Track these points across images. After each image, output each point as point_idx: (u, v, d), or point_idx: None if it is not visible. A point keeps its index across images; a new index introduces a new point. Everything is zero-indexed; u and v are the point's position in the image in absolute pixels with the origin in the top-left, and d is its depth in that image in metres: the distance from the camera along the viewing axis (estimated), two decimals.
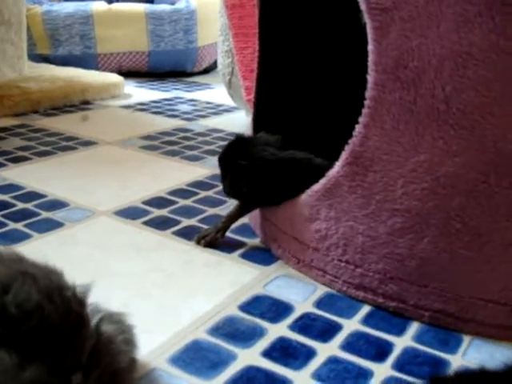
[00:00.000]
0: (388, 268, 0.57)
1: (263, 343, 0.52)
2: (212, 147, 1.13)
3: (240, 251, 0.70)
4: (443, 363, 0.52)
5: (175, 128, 1.25)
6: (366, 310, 0.59)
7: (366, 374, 0.49)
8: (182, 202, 0.83)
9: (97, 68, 1.76)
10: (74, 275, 0.39)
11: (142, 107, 1.46)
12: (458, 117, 0.50)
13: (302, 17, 0.78)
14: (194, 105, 1.51)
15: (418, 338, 0.55)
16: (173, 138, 1.17)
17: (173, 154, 1.07)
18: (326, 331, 0.55)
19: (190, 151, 1.09)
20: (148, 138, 1.17)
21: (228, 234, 0.71)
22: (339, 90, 0.78)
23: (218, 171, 0.95)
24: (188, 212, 0.80)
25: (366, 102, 0.54)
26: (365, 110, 0.54)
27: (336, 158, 0.60)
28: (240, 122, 1.33)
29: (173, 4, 1.83)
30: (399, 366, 0.51)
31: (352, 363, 0.51)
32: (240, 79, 1.19)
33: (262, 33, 0.77)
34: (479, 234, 0.53)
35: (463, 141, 0.51)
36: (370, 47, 0.53)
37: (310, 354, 0.52)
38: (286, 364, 0.50)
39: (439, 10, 0.49)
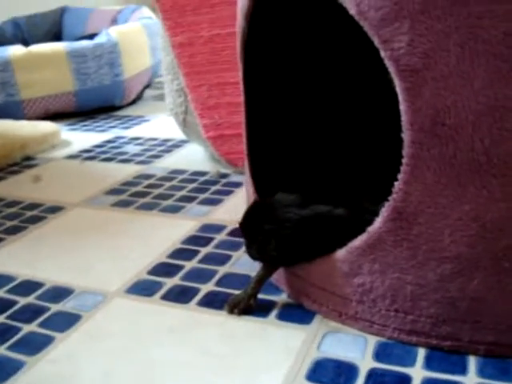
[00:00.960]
0: (440, 312, 0.59)
1: None
2: (184, 193, 1.11)
3: (274, 312, 0.69)
4: None
5: (135, 176, 1.22)
6: (422, 352, 0.61)
7: None
8: (188, 265, 0.82)
9: (23, 115, 1.68)
10: (121, 371, 0.37)
11: (88, 155, 1.41)
12: (499, 167, 0.53)
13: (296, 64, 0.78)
14: (139, 144, 1.48)
15: (483, 374, 0.57)
16: (139, 189, 1.14)
17: (148, 207, 1.04)
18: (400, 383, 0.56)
19: (164, 201, 1.07)
20: (113, 192, 1.13)
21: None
22: (336, 132, 0.79)
23: (205, 221, 0.95)
24: (200, 276, 0.79)
25: (405, 160, 0.55)
26: (404, 168, 0.55)
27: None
28: (197, 157, 1.32)
29: (90, 38, 1.77)
30: None
31: None
32: (196, 117, 1.18)
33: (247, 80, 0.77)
34: None
35: (506, 187, 0.53)
36: (403, 107, 0.54)
37: None
38: None
39: (471, 68, 0.51)
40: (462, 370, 0.58)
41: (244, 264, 0.81)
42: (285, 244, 0.65)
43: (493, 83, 0.51)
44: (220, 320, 0.68)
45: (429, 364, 0.59)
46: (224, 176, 1.21)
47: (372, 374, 0.58)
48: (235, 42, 1.09)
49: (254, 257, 0.68)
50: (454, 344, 0.60)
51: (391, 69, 0.54)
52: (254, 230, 0.67)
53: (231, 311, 0.69)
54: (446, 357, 0.60)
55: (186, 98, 1.18)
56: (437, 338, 0.60)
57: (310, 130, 0.82)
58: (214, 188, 1.14)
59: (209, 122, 1.19)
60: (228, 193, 1.11)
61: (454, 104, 0.52)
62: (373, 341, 0.63)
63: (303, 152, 0.80)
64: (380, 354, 0.61)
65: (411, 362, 0.60)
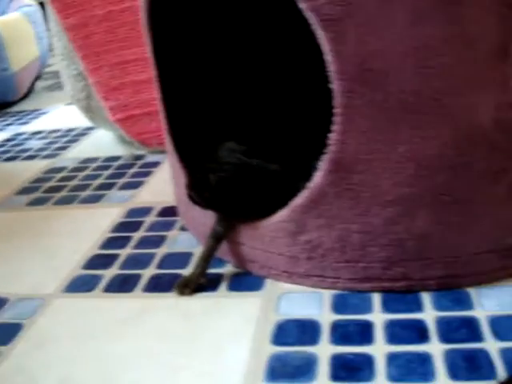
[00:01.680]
0: (389, 255, 0.60)
1: (323, 369, 0.53)
2: (101, 180, 1.07)
3: (224, 284, 0.68)
4: (474, 321, 0.56)
5: (45, 171, 1.16)
6: (377, 298, 0.62)
7: (426, 358, 0.53)
8: (123, 253, 0.79)
9: None
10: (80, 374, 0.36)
11: None
12: (429, 105, 0.54)
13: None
14: (42, 138, 1.40)
15: (438, 307, 0.59)
16: (52, 184, 1.09)
17: (67, 201, 1.00)
18: (364, 333, 0.57)
19: (82, 192, 1.03)
20: (25, 191, 1.07)
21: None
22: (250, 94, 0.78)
23: (131, 206, 0.92)
24: (138, 261, 0.76)
25: (337, 110, 0.55)
26: (337, 118, 0.55)
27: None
28: (107, 143, 1.27)
29: None
30: (444, 338, 0.55)
31: (409, 353, 0.53)
32: (100, 101, 1.13)
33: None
34: (466, 201, 0.58)
35: (437, 124, 0.55)
36: (329, 57, 0.54)
37: (368, 361, 0.53)
38: (357, 378, 0.51)
39: (392, 11, 0.51)
40: (419, 307, 0.60)
41: (181, 242, 0.80)
42: (222, 184, 0.63)
43: (414, 24, 0.52)
44: (170, 302, 0.67)
45: (386, 307, 0.61)
46: (139, 158, 1.17)
47: (335, 327, 0.58)
48: (131, 17, 1.05)
49: (193, 199, 0.65)
50: (406, 284, 0.62)
51: (312, 20, 0.53)
52: (196, 169, 0.64)
53: (182, 293, 0.67)
54: (401, 297, 0.62)
55: (86, 82, 1.13)
56: (389, 281, 0.62)
57: (233, 92, 0.80)
58: (131, 171, 1.11)
59: (114, 104, 1.14)
60: (147, 174, 1.08)
61: (379, 49, 0.53)
62: (328, 295, 0.64)
63: (229, 116, 0.79)
64: (338, 306, 0.62)
65: (369, 309, 0.61)
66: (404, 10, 0.51)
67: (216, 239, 0.67)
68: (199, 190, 0.64)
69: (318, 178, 0.59)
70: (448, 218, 0.58)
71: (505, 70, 0.54)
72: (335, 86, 0.54)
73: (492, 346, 0.53)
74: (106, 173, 1.10)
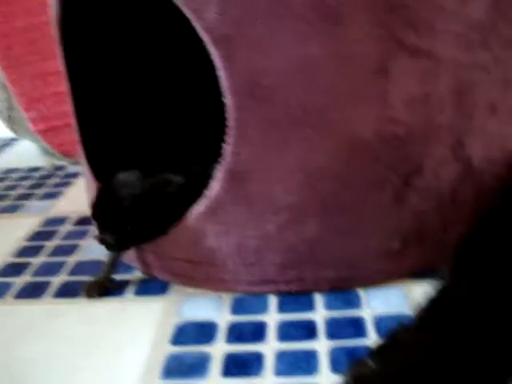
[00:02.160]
0: (283, 259, 0.64)
1: (216, 366, 0.56)
2: (21, 191, 1.08)
3: (131, 290, 0.71)
4: (361, 320, 0.61)
5: None
6: (273, 299, 0.66)
7: (312, 354, 0.57)
8: (36, 261, 0.80)
9: None
10: None
11: None
12: (314, 119, 0.58)
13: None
14: None
15: (329, 307, 0.64)
16: None
17: None
18: (258, 332, 0.61)
19: (1, 202, 1.03)
20: None
21: None
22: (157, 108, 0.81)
23: (48, 215, 0.94)
24: (51, 269, 0.78)
25: (230, 123, 0.59)
26: (230, 130, 0.59)
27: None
28: (28, 153, 1.28)
29: None
30: (331, 335, 0.59)
31: (297, 351, 0.57)
32: (22, 112, 1.14)
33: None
34: (352, 208, 0.62)
35: (323, 137, 0.59)
36: (221, 74, 0.57)
37: (258, 359, 0.57)
38: (246, 373, 0.55)
39: (278, 32, 0.55)
40: (311, 307, 0.64)
41: (94, 251, 0.82)
42: (127, 223, 0.66)
43: (299, 43, 0.56)
44: (78, 307, 0.69)
45: (281, 308, 0.64)
46: (60, 168, 1.18)
47: (231, 328, 0.62)
48: (52, 29, 1.06)
49: (111, 243, 0.66)
50: (300, 286, 0.66)
51: (205, 38, 0.57)
52: (100, 215, 0.67)
53: (89, 295, 0.69)
54: (296, 299, 0.66)
55: (8, 93, 1.13)
56: (284, 283, 0.66)
57: (138, 107, 0.83)
58: (51, 182, 1.12)
59: (36, 115, 1.15)
60: (67, 184, 1.10)
61: (268, 66, 0.57)
62: (228, 298, 0.67)
63: (136, 130, 0.81)
64: (236, 308, 0.65)
65: (265, 310, 0.64)
66: (290, 31, 0.56)
67: None
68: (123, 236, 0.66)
69: (214, 186, 0.62)
70: (336, 224, 0.63)
71: (384, 87, 0.59)
72: (227, 100, 0.58)
73: (373, 339, 0.57)
74: (27, 183, 1.11)
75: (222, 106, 0.59)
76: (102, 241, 0.65)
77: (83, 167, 0.81)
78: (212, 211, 0.63)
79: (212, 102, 0.60)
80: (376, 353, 0.46)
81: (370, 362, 0.44)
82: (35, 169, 1.19)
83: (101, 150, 0.79)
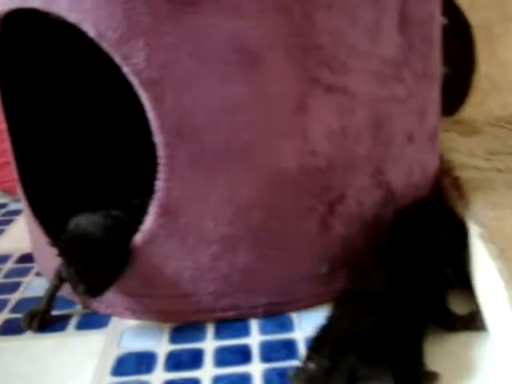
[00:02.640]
0: (218, 288, 0.68)
1: None
2: None
3: (72, 324, 0.72)
4: (293, 342, 0.64)
5: None
6: (211, 327, 0.69)
7: (247, 377, 0.60)
8: None
9: None
10: None
11: None
12: (239, 155, 0.62)
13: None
14: None
15: (264, 331, 0.67)
16: None
17: None
18: (195, 359, 0.63)
19: None
20: None
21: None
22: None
23: None
24: None
25: (161, 161, 0.62)
26: (161, 167, 0.62)
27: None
28: None
29: None
30: (265, 358, 0.62)
31: (232, 375, 0.60)
32: None
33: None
34: (281, 236, 0.66)
35: (249, 171, 0.63)
36: (150, 115, 0.61)
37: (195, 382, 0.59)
38: None
39: (202, 74, 0.59)
40: (247, 332, 0.67)
41: (35, 287, 0.83)
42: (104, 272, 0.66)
43: (222, 85, 0.60)
44: (20, 344, 0.70)
45: (218, 335, 0.67)
46: (2, 206, 1.19)
47: (170, 356, 0.64)
48: None
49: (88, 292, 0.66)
50: (235, 313, 0.69)
51: (134, 82, 0.60)
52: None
53: (29, 325, 0.70)
54: (232, 325, 0.69)
55: None
56: (221, 311, 0.69)
57: (76, 146, 0.86)
58: None
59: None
60: (8, 222, 1.10)
61: (193, 107, 0.60)
62: (167, 328, 0.69)
63: (74, 168, 0.84)
64: (175, 337, 0.68)
65: (203, 337, 0.67)
66: (213, 73, 0.60)
67: (59, 278, 0.71)
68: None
69: (148, 221, 0.65)
70: (267, 252, 0.66)
71: (304, 122, 0.63)
72: (157, 139, 0.61)
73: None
74: None
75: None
76: (79, 290, 0.65)
77: (23, 204, 0.83)
78: (146, 244, 0.66)
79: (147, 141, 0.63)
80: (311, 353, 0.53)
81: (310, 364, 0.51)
82: None
83: (40, 188, 0.81)
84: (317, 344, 0.55)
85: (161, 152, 0.62)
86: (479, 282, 0.63)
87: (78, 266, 0.64)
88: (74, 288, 0.65)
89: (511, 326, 0.52)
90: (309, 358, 0.54)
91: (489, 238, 0.61)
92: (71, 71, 0.86)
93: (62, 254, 0.65)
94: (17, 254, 0.94)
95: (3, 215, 1.14)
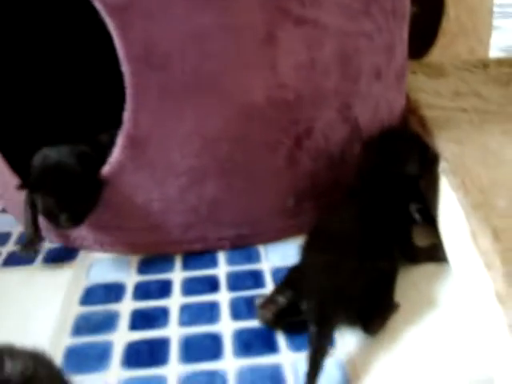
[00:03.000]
0: (186, 220, 0.68)
1: (123, 322, 0.59)
2: None
3: (39, 258, 0.72)
4: (260, 273, 0.66)
5: None
6: (179, 259, 0.70)
7: (215, 305, 0.61)
8: None
9: None
10: None
11: None
12: (207, 85, 0.62)
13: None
14: None
15: (231, 262, 0.68)
16: None
17: None
18: (163, 289, 0.64)
19: None
20: None
21: (14, 246, 0.75)
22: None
23: None
24: None
25: (128, 90, 0.61)
26: (128, 97, 0.62)
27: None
28: None
29: None
30: (232, 287, 0.64)
31: (199, 303, 0.61)
32: None
33: None
34: (248, 169, 0.67)
35: (217, 102, 0.63)
36: (117, 43, 0.60)
37: (164, 312, 0.61)
38: (152, 326, 0.59)
39: (171, 3, 0.58)
40: (214, 264, 0.68)
41: (2, 224, 0.83)
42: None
43: (191, 14, 0.59)
44: None
45: (185, 266, 0.68)
46: None
47: (138, 287, 0.65)
48: None
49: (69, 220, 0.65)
50: (203, 245, 0.70)
51: (101, 9, 0.59)
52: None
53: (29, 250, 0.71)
54: (200, 257, 0.70)
55: None
56: (188, 243, 0.69)
57: (40, 79, 0.84)
58: None
59: None
60: None
61: (161, 36, 0.59)
62: (135, 259, 0.70)
63: (39, 104, 0.82)
64: (143, 268, 0.68)
65: (171, 268, 0.68)
66: (182, 2, 0.58)
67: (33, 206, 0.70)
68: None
69: (116, 153, 0.64)
70: (234, 185, 0.67)
71: (273, 54, 0.63)
72: (124, 68, 0.60)
73: (271, 289, 0.62)
74: None
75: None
76: (61, 220, 0.64)
77: None
78: (115, 176, 0.66)
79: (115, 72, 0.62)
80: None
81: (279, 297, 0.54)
82: None
83: (4, 125, 0.80)
84: (287, 280, 0.56)
85: (128, 81, 0.61)
86: (442, 215, 0.65)
87: (57, 196, 0.63)
88: (54, 219, 0.64)
89: (470, 257, 0.54)
90: (278, 291, 0.56)
91: (450, 171, 0.63)
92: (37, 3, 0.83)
93: (35, 188, 0.65)
94: None
95: None
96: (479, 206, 0.55)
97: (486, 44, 1.30)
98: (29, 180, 0.65)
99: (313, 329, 0.49)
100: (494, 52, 1.38)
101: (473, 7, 1.23)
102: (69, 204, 0.63)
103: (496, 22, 1.36)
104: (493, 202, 0.55)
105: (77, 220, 0.64)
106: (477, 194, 0.57)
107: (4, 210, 0.86)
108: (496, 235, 0.50)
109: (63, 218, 0.63)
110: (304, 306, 0.52)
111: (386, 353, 0.53)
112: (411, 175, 0.67)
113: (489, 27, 1.28)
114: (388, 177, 0.67)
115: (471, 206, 0.55)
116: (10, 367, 0.37)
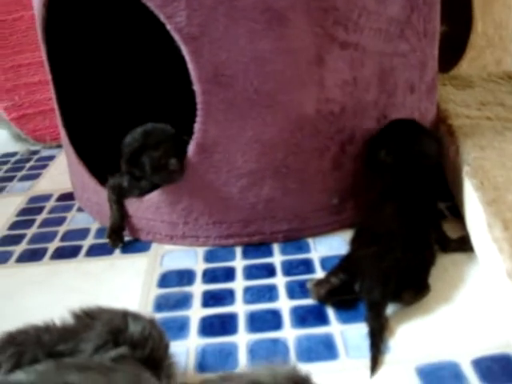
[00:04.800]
0: (245, 215, 0.79)
1: (197, 300, 0.71)
2: (2, 174, 1.18)
3: (118, 249, 0.84)
4: (310, 261, 0.76)
5: None
6: (239, 250, 0.81)
7: (273, 287, 0.72)
8: (30, 232, 0.92)
9: None
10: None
11: None
12: (266, 100, 0.73)
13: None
14: None
15: (284, 253, 0.79)
16: None
17: None
18: (228, 275, 0.75)
19: None
20: None
21: (94, 240, 0.86)
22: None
23: (31, 194, 1.05)
24: (44, 237, 0.90)
25: (199, 106, 0.73)
26: (199, 112, 0.73)
27: None
28: (2, 140, 1.38)
29: None
30: (286, 273, 0.74)
31: (259, 286, 0.72)
32: None
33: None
34: (299, 172, 0.77)
35: (274, 114, 0.74)
36: (190, 65, 0.71)
37: (230, 293, 0.72)
38: (222, 304, 0.69)
39: (235, 31, 0.70)
40: (270, 254, 0.79)
41: (79, 221, 0.95)
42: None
43: (252, 40, 0.70)
44: (75, 265, 0.82)
45: (245, 256, 0.79)
46: (35, 152, 1.30)
47: (206, 272, 0.76)
48: (23, 25, 1.18)
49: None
50: (260, 237, 0.81)
51: (176, 37, 0.70)
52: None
53: (115, 243, 0.84)
54: (257, 248, 0.80)
55: None
56: (247, 236, 0.80)
57: (117, 96, 0.96)
58: (28, 165, 1.23)
59: (9, 105, 1.26)
60: (43, 167, 1.21)
61: (228, 59, 0.71)
62: (201, 250, 0.81)
63: (115, 114, 0.94)
64: (208, 258, 0.80)
65: (233, 258, 0.79)
66: (244, 31, 0.70)
67: (118, 191, 0.83)
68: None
69: (188, 157, 0.76)
70: (287, 185, 0.78)
71: (321, 74, 0.74)
72: (196, 87, 0.72)
73: (320, 275, 0.73)
74: (5, 167, 1.22)
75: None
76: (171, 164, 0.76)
77: (66, 148, 0.94)
78: (186, 177, 0.77)
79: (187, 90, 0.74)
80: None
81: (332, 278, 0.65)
82: (11, 154, 1.30)
83: (82, 133, 0.92)
84: (340, 266, 0.67)
85: (199, 98, 0.72)
86: (467, 211, 0.75)
87: (164, 147, 0.76)
88: (164, 169, 0.76)
89: (488, 244, 0.64)
90: (331, 274, 0.67)
91: (471, 174, 0.73)
92: (117, 27, 0.96)
93: (142, 150, 0.77)
94: (56, 194, 1.06)
95: (37, 161, 1.25)
96: (493, 201, 0.65)
97: None
98: (126, 155, 0.78)
99: (369, 306, 0.60)
100: None
101: (500, 21, 1.31)
102: (174, 151, 0.75)
103: None
104: (505, 197, 0.65)
105: (182, 166, 0.75)
106: (492, 191, 0.67)
107: (80, 209, 0.98)
108: (506, 225, 0.60)
109: (173, 162, 0.75)
110: (357, 287, 0.63)
111: (420, 322, 0.63)
112: (430, 164, 0.77)
113: None
114: (412, 169, 0.77)
115: (486, 203, 0.65)
116: (133, 327, 0.48)
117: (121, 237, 0.83)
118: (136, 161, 0.77)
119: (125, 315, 0.50)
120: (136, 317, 0.50)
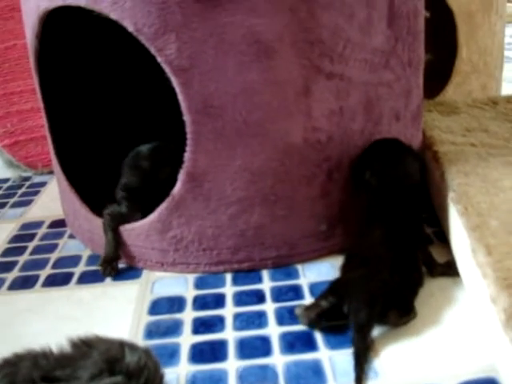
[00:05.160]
0: (235, 243, 0.80)
1: (187, 327, 0.71)
2: None
3: (109, 277, 0.85)
4: (299, 287, 0.78)
5: None
6: (229, 276, 0.82)
7: (262, 314, 0.73)
8: (21, 259, 0.93)
9: None
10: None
11: None
12: (255, 130, 0.75)
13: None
14: None
15: (273, 279, 0.80)
16: None
17: None
18: (218, 301, 0.76)
19: None
20: None
21: (85, 267, 0.87)
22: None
23: (23, 221, 1.06)
24: (36, 265, 0.91)
25: (189, 136, 0.75)
26: (189, 141, 0.75)
27: None
28: None
29: None
30: (275, 299, 0.76)
31: (249, 312, 0.73)
32: None
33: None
34: (287, 199, 0.79)
35: (262, 144, 0.75)
36: (180, 96, 0.73)
37: (220, 320, 0.73)
38: (212, 331, 0.70)
39: (224, 63, 0.72)
40: (259, 280, 0.80)
41: (71, 247, 0.95)
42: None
43: (240, 72, 0.72)
44: (65, 293, 0.82)
45: (235, 282, 0.80)
46: (26, 179, 1.31)
47: (196, 299, 0.77)
48: (15, 54, 1.20)
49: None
50: (249, 264, 0.82)
51: (167, 69, 0.72)
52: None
53: (108, 273, 0.84)
54: (246, 275, 0.82)
55: None
56: (237, 263, 0.82)
57: (106, 124, 0.98)
58: (20, 191, 1.24)
59: (2, 131, 1.28)
60: (35, 193, 1.22)
61: (216, 90, 0.73)
62: (192, 277, 0.83)
63: (104, 140, 0.96)
64: (199, 284, 0.81)
65: (223, 284, 0.80)
66: (233, 63, 0.72)
67: (113, 218, 0.84)
68: None
69: (177, 186, 0.78)
70: (275, 213, 0.79)
71: (308, 104, 0.76)
72: (186, 118, 0.74)
73: (309, 301, 0.74)
74: None
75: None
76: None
77: (58, 175, 0.95)
78: (175, 207, 0.79)
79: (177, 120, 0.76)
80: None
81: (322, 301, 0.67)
82: (3, 180, 1.30)
83: (74, 162, 0.93)
84: (329, 290, 0.69)
85: (189, 128, 0.74)
86: (452, 236, 0.77)
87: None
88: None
89: (472, 269, 0.65)
90: (321, 298, 0.68)
91: (456, 200, 0.75)
92: (109, 58, 0.98)
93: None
94: (48, 221, 1.07)
95: (29, 187, 1.26)
96: (477, 227, 0.66)
97: (497, 80, 1.41)
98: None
99: (355, 327, 0.62)
100: (506, 84, 1.48)
101: (484, 47, 1.34)
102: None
103: (506, 53, 1.47)
104: (488, 223, 0.67)
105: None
106: (476, 217, 0.68)
107: (72, 236, 0.99)
108: (489, 251, 0.62)
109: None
110: (345, 308, 0.64)
111: (406, 345, 0.65)
112: (414, 183, 0.79)
113: (500, 64, 1.39)
114: (396, 189, 0.78)
115: (470, 228, 0.67)
116: (129, 357, 0.49)
117: (114, 267, 0.84)
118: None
119: (122, 345, 0.51)
120: (132, 347, 0.51)
